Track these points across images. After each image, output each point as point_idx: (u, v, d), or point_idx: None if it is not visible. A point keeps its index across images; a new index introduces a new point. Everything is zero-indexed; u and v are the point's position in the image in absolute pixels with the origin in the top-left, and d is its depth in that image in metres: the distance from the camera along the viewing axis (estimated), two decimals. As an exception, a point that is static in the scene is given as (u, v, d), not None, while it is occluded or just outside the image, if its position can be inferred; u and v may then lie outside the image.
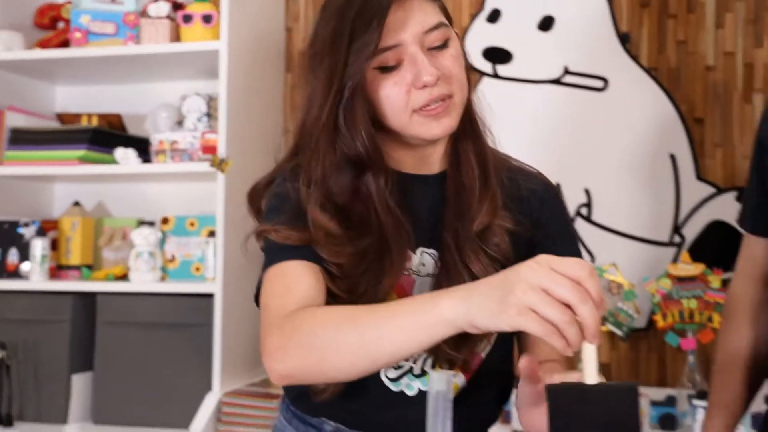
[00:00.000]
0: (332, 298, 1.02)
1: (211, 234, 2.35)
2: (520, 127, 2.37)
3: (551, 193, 1.16)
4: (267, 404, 2.12)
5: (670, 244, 2.31)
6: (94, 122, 2.49)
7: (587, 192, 2.34)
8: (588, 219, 2.34)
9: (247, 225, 1.17)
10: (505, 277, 0.79)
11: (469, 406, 1.11)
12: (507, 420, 2.24)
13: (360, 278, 1.02)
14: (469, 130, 1.10)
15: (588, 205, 2.34)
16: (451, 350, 1.03)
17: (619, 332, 2.23)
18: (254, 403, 2.14)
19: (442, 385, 0.75)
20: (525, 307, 0.74)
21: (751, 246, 1.34)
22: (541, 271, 0.75)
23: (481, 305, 0.79)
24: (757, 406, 1.46)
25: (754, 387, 1.33)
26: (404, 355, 0.88)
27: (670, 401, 2.13)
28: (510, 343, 1.18)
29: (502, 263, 1.06)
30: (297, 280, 1.00)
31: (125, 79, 2.63)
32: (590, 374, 0.72)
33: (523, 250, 1.08)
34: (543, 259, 0.77)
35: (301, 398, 1.15)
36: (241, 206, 1.20)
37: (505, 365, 1.19)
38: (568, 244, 1.15)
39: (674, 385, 2.24)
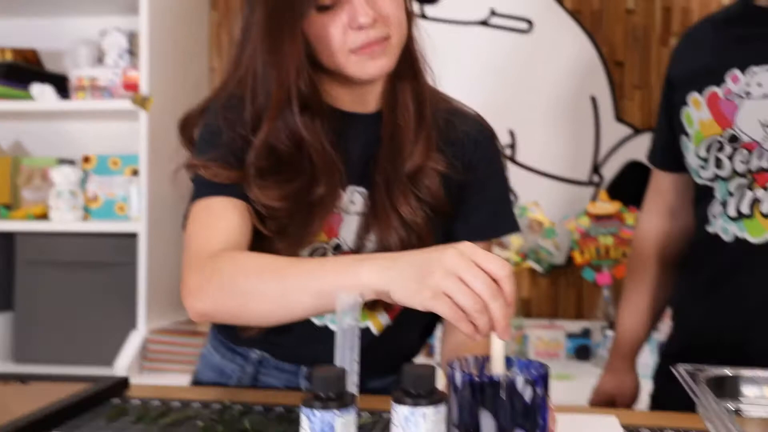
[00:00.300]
0: (259, 238, 1.04)
1: (135, 173, 2.38)
2: (446, 68, 2.48)
3: (486, 135, 1.18)
4: (193, 341, 2.19)
5: (589, 183, 2.48)
6: (8, 57, 2.47)
7: (511, 133, 2.47)
8: (512, 159, 2.49)
9: (172, 163, 1.13)
10: (429, 257, 0.81)
11: (392, 343, 1.17)
12: (431, 354, 2.40)
13: (290, 220, 1.04)
14: (407, 70, 1.11)
15: (512, 145, 2.48)
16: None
17: (539, 268, 2.40)
18: (180, 341, 2.21)
19: (347, 312, 0.80)
20: (440, 291, 0.78)
21: (659, 181, 1.44)
22: (463, 262, 0.78)
23: (400, 281, 0.82)
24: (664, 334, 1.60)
25: (658, 310, 1.46)
26: (323, 311, 0.89)
27: (586, 333, 2.32)
28: None
29: (432, 206, 1.09)
30: (221, 218, 1.01)
31: (41, 12, 2.60)
32: (497, 367, 0.76)
33: (454, 193, 1.12)
34: (468, 250, 0.80)
35: (227, 328, 1.20)
36: (165, 145, 1.17)
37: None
38: (497, 189, 1.18)
39: (590, 317, 2.44)
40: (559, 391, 1.19)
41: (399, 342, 1.20)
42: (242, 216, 1.03)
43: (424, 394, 0.70)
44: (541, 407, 0.73)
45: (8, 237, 2.43)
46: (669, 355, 1.39)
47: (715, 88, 1.24)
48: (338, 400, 0.70)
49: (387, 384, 1.22)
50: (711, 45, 1.29)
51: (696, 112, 1.26)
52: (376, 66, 1.04)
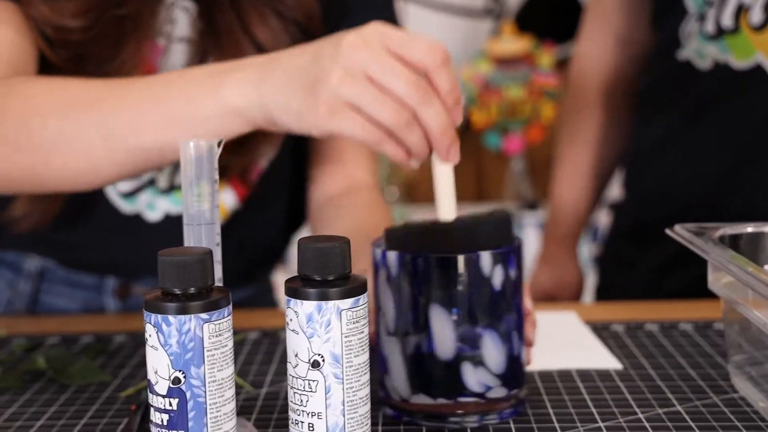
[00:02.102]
0: (47, 70, 0.99)
1: None
2: None
3: None
4: None
5: (487, 12, 2.45)
6: None
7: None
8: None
9: None
10: (318, 52, 0.75)
11: (245, 233, 1.15)
12: (282, 260, 2.37)
13: (89, 44, 1.00)
14: None
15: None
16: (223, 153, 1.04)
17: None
18: None
19: (198, 168, 0.70)
20: (341, 102, 0.72)
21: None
22: (370, 52, 0.71)
23: (282, 96, 0.77)
24: (615, 191, 1.62)
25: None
26: (169, 160, 0.85)
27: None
28: (306, 146, 1.21)
29: (303, 28, 1.06)
30: None
31: None
32: (445, 207, 0.72)
33: (334, 10, 1.10)
34: (377, 34, 0.73)
35: None
36: None
37: (297, 177, 1.22)
38: (377, 11, 1.15)
39: (496, 198, 2.47)
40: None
41: (254, 233, 1.18)
42: (20, 33, 0.97)
43: (335, 279, 0.63)
44: (516, 297, 0.71)
45: None
46: (619, 232, 1.41)
47: None
48: (205, 297, 0.60)
49: (242, 298, 1.19)
50: None
51: None
52: None
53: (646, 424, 0.71)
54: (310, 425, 0.62)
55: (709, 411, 0.73)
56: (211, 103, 0.80)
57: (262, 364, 0.88)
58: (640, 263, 1.33)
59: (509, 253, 0.70)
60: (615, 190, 1.61)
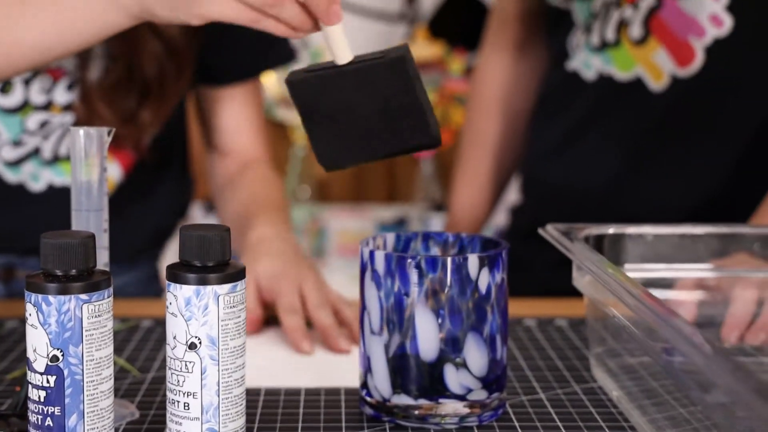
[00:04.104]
0: None
1: None
2: None
3: None
4: None
5: (400, 18, 2.48)
6: None
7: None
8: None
9: None
10: None
11: (129, 212, 1.15)
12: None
13: None
14: None
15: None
16: (113, 118, 1.05)
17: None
18: None
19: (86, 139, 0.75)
20: None
21: (502, 6, 1.45)
22: None
23: None
24: (513, 195, 1.64)
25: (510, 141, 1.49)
26: (57, 53, 0.86)
27: (401, 221, 2.38)
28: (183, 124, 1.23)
29: None
30: None
31: None
32: (342, 54, 0.75)
33: None
34: None
35: None
36: None
37: (182, 160, 1.25)
38: None
39: (406, 200, 2.49)
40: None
41: (137, 215, 1.19)
42: None
43: (214, 266, 0.65)
44: (501, 301, 0.72)
45: None
46: (517, 234, 1.44)
47: None
48: (86, 279, 0.62)
49: (126, 282, 1.20)
50: None
51: None
52: None
53: (509, 410, 0.75)
54: (186, 405, 0.64)
55: (568, 399, 0.78)
56: None
57: (152, 350, 0.90)
58: (536, 264, 1.37)
59: (496, 256, 0.71)
60: (513, 194, 1.64)
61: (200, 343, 0.64)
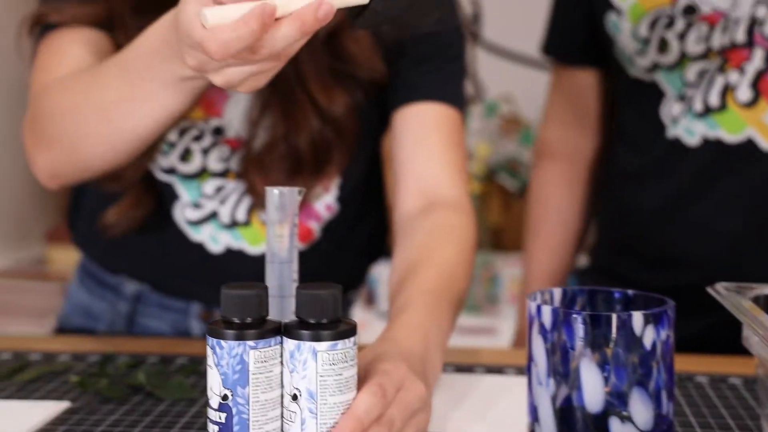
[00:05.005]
0: None
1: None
2: None
3: None
4: (44, 287, 2.20)
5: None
6: None
7: (474, 1, 2.48)
8: (475, 37, 2.49)
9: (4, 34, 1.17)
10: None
11: (327, 256, 1.18)
12: (371, 301, 2.45)
13: None
14: None
15: (476, 17, 2.49)
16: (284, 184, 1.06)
17: (513, 186, 2.44)
18: (28, 286, 2.20)
19: (279, 208, 0.79)
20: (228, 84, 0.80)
21: (565, 79, 1.44)
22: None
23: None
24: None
25: (573, 249, 1.51)
26: (173, 111, 0.94)
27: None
28: (374, 182, 1.26)
29: (361, 81, 1.12)
30: (60, 54, 1.06)
31: None
32: None
33: (387, 58, 1.14)
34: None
35: (91, 242, 1.23)
36: None
37: (375, 207, 1.27)
38: (436, 45, 1.16)
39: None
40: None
41: (335, 259, 1.21)
42: (89, 46, 1.06)
43: (315, 324, 0.70)
44: (666, 357, 0.73)
45: None
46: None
47: None
48: (255, 327, 0.70)
49: None
50: None
51: None
52: None
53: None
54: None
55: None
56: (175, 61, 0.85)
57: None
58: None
59: (661, 314, 0.73)
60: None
61: (300, 394, 0.70)
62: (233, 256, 1.14)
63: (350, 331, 0.71)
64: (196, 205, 1.15)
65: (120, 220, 1.14)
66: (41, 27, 1.10)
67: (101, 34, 1.08)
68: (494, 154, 2.43)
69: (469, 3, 2.42)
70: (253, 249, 1.14)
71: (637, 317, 0.72)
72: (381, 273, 2.32)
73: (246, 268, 1.12)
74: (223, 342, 0.69)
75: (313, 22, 0.73)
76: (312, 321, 0.70)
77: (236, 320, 0.70)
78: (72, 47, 1.06)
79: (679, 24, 1.22)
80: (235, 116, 1.13)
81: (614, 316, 0.72)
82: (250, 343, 0.69)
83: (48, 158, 1.03)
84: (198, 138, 1.13)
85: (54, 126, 1.01)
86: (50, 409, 0.88)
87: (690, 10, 1.22)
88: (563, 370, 0.73)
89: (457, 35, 1.19)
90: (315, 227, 1.18)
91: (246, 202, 1.13)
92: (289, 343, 0.70)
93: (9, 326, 2.20)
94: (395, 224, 1.15)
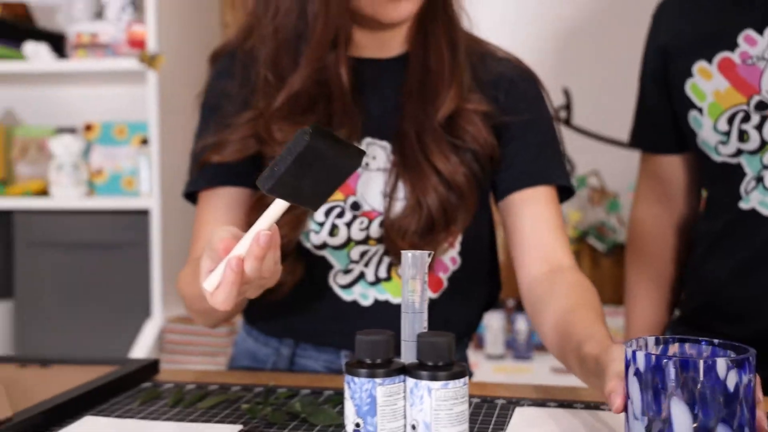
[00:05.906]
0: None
1: (144, 142, 2.41)
2: (485, 12, 2.49)
3: (524, 76, 1.20)
4: (215, 330, 2.21)
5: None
6: (-3, 13, 2.50)
7: (566, 92, 2.48)
8: (567, 123, 2.49)
9: (186, 130, 1.20)
10: None
11: (451, 305, 1.19)
12: (480, 345, 2.43)
13: None
14: (439, 10, 1.14)
15: (567, 106, 2.48)
16: (416, 246, 1.10)
17: (601, 247, 2.41)
18: (202, 329, 2.23)
19: (413, 271, 0.82)
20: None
21: (652, 165, 1.43)
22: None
23: None
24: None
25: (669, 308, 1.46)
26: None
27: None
28: (487, 237, 1.25)
29: (478, 154, 1.13)
30: (205, 222, 1.16)
31: (32, -38, 2.61)
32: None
33: (498, 137, 1.16)
34: None
35: (253, 310, 1.25)
36: (178, 109, 1.23)
37: (492, 264, 1.26)
38: (541, 132, 1.18)
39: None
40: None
41: (457, 308, 1.22)
42: (230, 206, 1.16)
43: (431, 366, 0.74)
44: (748, 398, 0.72)
45: (4, 216, 2.48)
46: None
47: (727, 53, 1.24)
48: (382, 367, 0.74)
49: None
50: (711, 5, 1.28)
51: (706, 82, 1.26)
52: (398, 11, 1.08)
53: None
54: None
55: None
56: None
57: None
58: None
59: (743, 360, 0.72)
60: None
61: (417, 425, 0.73)
62: (380, 306, 1.16)
63: (461, 372, 0.74)
64: (346, 271, 1.17)
65: (280, 286, 1.13)
66: (189, 173, 1.21)
67: (239, 190, 1.16)
68: (584, 219, 2.42)
69: (562, 94, 2.43)
70: (395, 299, 1.16)
71: (721, 363, 0.71)
72: (489, 321, 2.32)
73: (390, 315, 1.13)
74: (356, 379, 0.74)
75: (261, 249, 0.80)
76: (429, 363, 0.74)
77: (368, 361, 0.75)
78: (213, 212, 1.17)
79: (755, 118, 1.22)
80: (366, 192, 1.14)
81: (701, 362, 0.71)
82: (378, 380, 0.74)
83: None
84: (341, 215, 1.14)
85: (185, 301, 1.15)
86: (226, 430, 0.91)
87: (762, 106, 1.21)
88: (656, 408, 0.72)
89: (554, 123, 1.21)
90: (443, 277, 1.19)
91: (386, 262, 1.15)
92: (410, 382, 0.74)
93: (189, 363, 2.26)
94: (522, 285, 1.16)
